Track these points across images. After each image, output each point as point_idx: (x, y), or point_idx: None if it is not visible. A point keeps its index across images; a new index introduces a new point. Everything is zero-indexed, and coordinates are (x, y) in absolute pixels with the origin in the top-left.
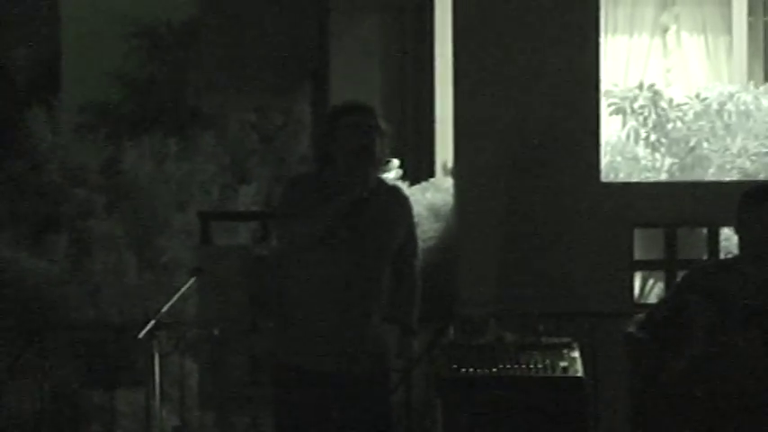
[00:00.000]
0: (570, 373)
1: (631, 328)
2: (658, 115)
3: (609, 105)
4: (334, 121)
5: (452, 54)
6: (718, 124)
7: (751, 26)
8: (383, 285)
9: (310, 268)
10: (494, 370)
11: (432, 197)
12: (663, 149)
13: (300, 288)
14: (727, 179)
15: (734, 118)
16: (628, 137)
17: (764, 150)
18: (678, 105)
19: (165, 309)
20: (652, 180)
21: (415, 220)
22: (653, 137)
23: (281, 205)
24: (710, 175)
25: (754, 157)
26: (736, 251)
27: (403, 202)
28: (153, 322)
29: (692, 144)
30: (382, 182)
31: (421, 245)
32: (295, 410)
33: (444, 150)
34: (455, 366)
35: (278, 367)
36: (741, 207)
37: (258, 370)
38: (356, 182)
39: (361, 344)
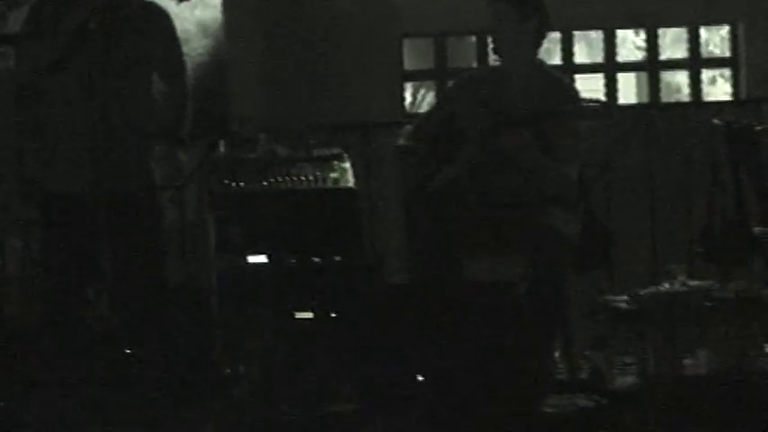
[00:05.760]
0: (341, 184)
1: (402, 140)
2: None
3: None
4: None
5: None
6: None
7: None
8: (142, 103)
9: (59, 89)
10: (264, 183)
11: (200, 14)
12: None
13: (54, 111)
14: None
15: None
16: None
17: None
18: None
19: None
20: None
21: (185, 36)
22: None
23: (24, 25)
24: None
25: None
26: None
27: (157, 16)
28: None
29: None
30: None
31: (190, 62)
32: (60, 236)
33: None
34: (226, 181)
35: (42, 194)
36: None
37: (28, 196)
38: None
39: (121, 163)
